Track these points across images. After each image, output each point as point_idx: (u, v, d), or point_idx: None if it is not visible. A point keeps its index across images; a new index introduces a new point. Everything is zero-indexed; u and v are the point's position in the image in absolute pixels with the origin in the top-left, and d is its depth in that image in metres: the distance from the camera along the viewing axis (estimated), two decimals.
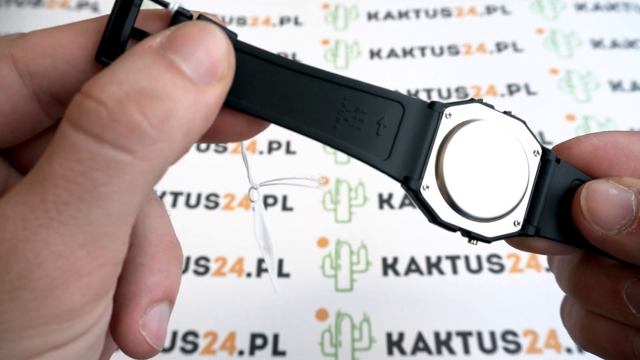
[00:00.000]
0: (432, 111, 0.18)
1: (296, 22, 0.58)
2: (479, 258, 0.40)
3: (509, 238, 0.19)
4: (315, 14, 0.59)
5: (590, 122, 0.48)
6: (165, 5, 0.16)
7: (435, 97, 0.50)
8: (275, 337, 0.37)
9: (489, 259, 0.40)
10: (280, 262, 0.40)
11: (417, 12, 0.58)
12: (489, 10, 0.57)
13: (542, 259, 0.40)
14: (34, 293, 0.12)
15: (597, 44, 0.54)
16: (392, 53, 0.54)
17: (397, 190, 0.44)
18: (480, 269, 0.39)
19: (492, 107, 0.19)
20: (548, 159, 0.19)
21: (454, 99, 0.50)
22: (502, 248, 0.40)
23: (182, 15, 0.16)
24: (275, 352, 0.36)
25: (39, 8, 0.57)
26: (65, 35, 0.16)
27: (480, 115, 0.18)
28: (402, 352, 0.36)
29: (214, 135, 0.17)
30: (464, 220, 0.18)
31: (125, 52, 0.15)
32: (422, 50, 0.54)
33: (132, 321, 0.17)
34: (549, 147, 0.20)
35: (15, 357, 0.12)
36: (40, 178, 0.13)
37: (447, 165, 0.17)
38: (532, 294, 0.38)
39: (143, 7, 0.16)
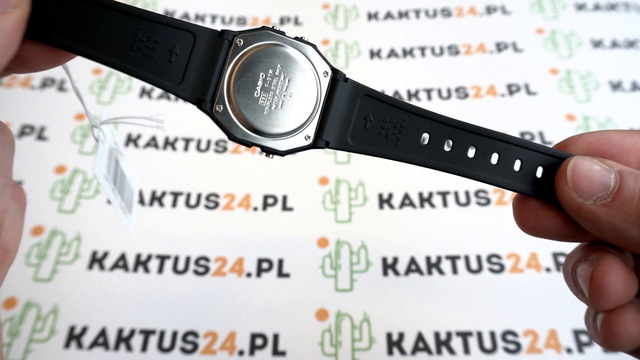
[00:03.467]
0: (223, 39, 0.19)
1: (296, 22, 0.58)
2: (479, 258, 0.40)
3: (301, 151, 0.20)
4: (315, 14, 0.59)
5: (590, 122, 0.48)
6: None
7: (435, 98, 0.50)
8: (275, 337, 0.37)
9: (489, 259, 0.40)
10: (280, 262, 0.40)
11: (417, 12, 0.58)
12: (489, 10, 0.57)
13: (543, 259, 0.40)
14: None
15: (597, 44, 0.54)
16: (392, 53, 0.54)
17: (397, 190, 0.44)
18: (480, 269, 0.39)
19: (282, 33, 0.20)
20: (336, 78, 0.20)
21: (454, 99, 0.50)
22: (502, 248, 0.40)
23: None
24: (275, 352, 0.36)
25: None
26: None
27: (271, 41, 0.19)
28: (402, 352, 0.36)
29: (21, 64, 0.18)
30: (258, 137, 0.19)
31: None
32: (422, 50, 0.54)
33: None
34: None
35: None
36: None
37: (238, 87, 0.19)
38: (532, 294, 0.38)
39: None
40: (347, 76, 0.20)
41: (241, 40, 0.19)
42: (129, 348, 0.36)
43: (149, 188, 0.44)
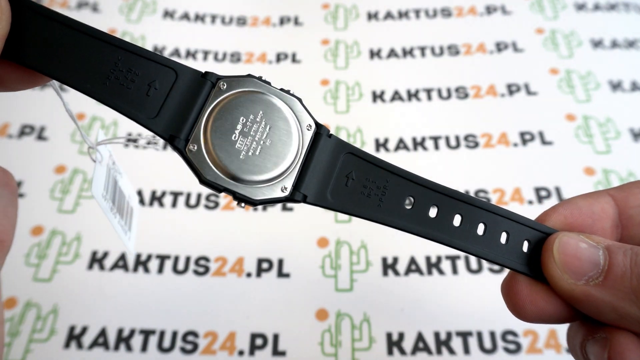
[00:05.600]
0: (206, 80, 0.19)
1: (296, 22, 0.58)
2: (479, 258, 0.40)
3: (275, 203, 0.19)
4: (315, 14, 0.59)
5: (590, 122, 0.48)
6: None
7: (435, 98, 0.50)
8: (275, 337, 0.37)
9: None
10: (280, 262, 0.40)
11: (417, 12, 0.58)
12: (489, 10, 0.57)
13: None
14: None
15: (597, 44, 0.54)
16: (392, 53, 0.54)
17: None
18: (480, 269, 0.39)
19: (269, 83, 0.19)
20: (320, 132, 0.20)
21: (454, 99, 0.50)
22: None
23: None
24: (275, 352, 0.36)
25: None
26: None
27: (256, 89, 0.19)
28: (402, 352, 0.36)
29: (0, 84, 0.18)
30: (231, 182, 0.18)
31: None
32: (422, 50, 0.54)
33: None
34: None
35: None
36: None
37: (215, 128, 0.18)
38: None
39: None
40: (331, 132, 0.20)
41: (225, 84, 0.19)
42: (129, 348, 0.36)
43: (149, 188, 0.44)
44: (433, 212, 0.20)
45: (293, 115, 0.19)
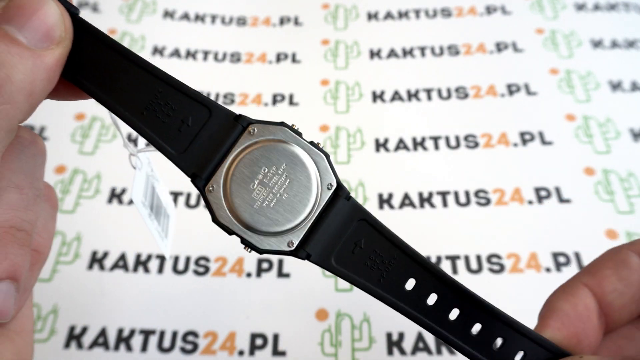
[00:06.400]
0: (237, 123, 0.19)
1: (296, 22, 0.58)
2: (479, 258, 0.40)
3: (279, 255, 0.19)
4: (315, 14, 0.59)
5: (590, 122, 0.48)
6: None
7: (435, 98, 0.50)
8: (275, 337, 0.37)
9: (489, 259, 0.40)
10: (280, 262, 0.40)
11: (417, 12, 0.58)
12: (489, 10, 0.57)
13: (542, 259, 0.40)
14: None
15: (597, 44, 0.54)
16: (392, 53, 0.54)
17: (397, 191, 0.44)
18: (480, 269, 0.39)
19: (299, 134, 0.19)
20: (339, 194, 0.19)
21: (454, 99, 0.50)
22: (502, 248, 0.40)
23: None
24: (275, 352, 0.36)
25: None
26: None
27: (284, 138, 0.19)
28: (402, 352, 0.36)
29: (55, 94, 0.19)
30: (241, 227, 0.19)
31: None
32: (422, 50, 0.54)
33: None
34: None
35: None
36: None
37: (236, 175, 0.18)
38: (532, 294, 0.38)
39: None
40: (350, 195, 0.20)
41: (255, 129, 0.19)
42: (129, 348, 0.36)
43: None
44: (432, 300, 0.20)
45: (316, 171, 0.19)
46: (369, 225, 0.19)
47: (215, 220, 0.19)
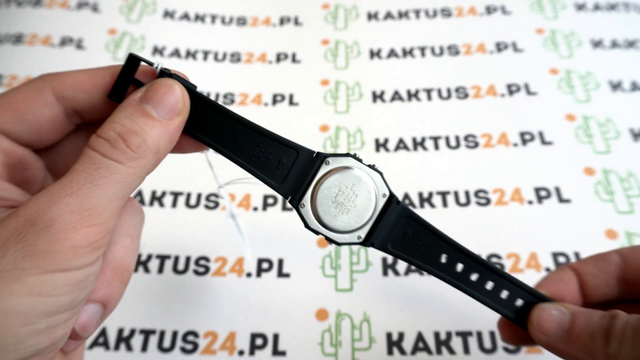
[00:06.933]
0: (317, 159, 0.26)
1: (296, 22, 0.58)
2: None
3: (353, 245, 0.30)
4: (315, 14, 0.59)
5: (590, 122, 0.48)
6: (152, 65, 0.25)
7: (435, 98, 0.50)
8: (275, 337, 0.37)
9: (488, 259, 0.40)
10: (280, 262, 0.40)
11: (417, 12, 0.58)
12: (489, 10, 0.57)
13: (542, 259, 0.40)
14: (55, 233, 0.20)
15: (597, 44, 0.54)
16: (392, 53, 0.54)
17: (397, 191, 0.44)
18: None
19: (360, 160, 0.26)
20: (391, 200, 0.26)
21: (454, 99, 0.50)
22: (502, 248, 0.40)
23: (163, 72, 0.24)
24: (275, 352, 0.36)
25: (38, 8, 0.57)
26: (85, 76, 0.25)
27: (350, 165, 0.26)
28: (402, 352, 0.36)
29: (178, 149, 0.26)
30: (324, 229, 0.26)
31: (123, 100, 0.23)
32: (422, 50, 0.54)
33: None
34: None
35: (38, 269, 0.19)
36: (70, 171, 0.21)
37: (319, 194, 0.26)
38: None
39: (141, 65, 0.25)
40: (399, 200, 0.26)
41: (329, 160, 0.26)
42: (129, 348, 0.36)
43: (149, 188, 0.44)
44: (459, 268, 0.27)
45: (374, 185, 0.26)
46: (413, 220, 0.27)
47: (307, 226, 0.26)
